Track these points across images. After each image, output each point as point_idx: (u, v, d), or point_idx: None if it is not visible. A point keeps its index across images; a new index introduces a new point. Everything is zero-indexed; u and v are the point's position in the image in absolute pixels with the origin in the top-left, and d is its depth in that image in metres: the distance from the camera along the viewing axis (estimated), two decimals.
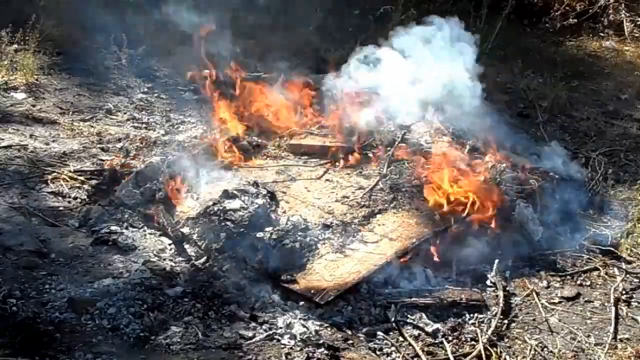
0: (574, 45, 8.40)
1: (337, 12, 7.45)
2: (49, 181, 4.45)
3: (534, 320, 3.67)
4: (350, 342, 3.31)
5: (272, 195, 4.20)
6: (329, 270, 3.69)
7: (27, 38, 6.03)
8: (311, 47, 6.89)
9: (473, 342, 3.41)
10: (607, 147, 5.88)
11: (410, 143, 4.83)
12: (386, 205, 4.22)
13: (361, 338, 3.37)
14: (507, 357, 3.36)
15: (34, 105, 5.54)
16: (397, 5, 6.99)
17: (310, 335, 3.28)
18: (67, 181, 4.47)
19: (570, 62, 7.79)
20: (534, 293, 3.87)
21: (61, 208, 4.23)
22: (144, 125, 5.55)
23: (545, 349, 3.45)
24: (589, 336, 3.56)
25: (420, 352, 3.30)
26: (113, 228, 4.00)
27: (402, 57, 4.99)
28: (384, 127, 4.96)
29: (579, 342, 3.50)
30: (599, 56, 8.16)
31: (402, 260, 3.81)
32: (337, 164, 4.66)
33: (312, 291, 3.54)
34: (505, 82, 6.89)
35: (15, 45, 6.08)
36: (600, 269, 4.17)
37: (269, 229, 3.89)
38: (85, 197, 4.35)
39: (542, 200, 4.49)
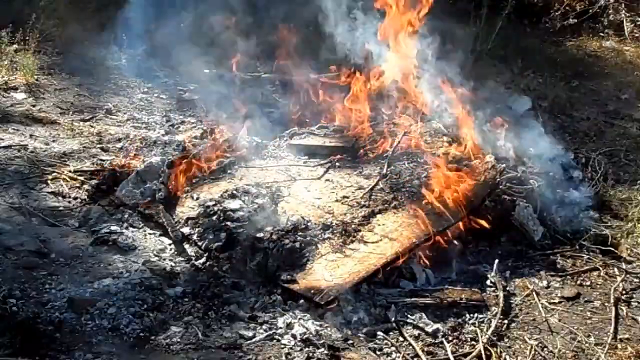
0: (574, 45, 8.41)
1: None
2: (49, 181, 4.45)
3: (534, 320, 3.67)
4: (350, 342, 3.31)
5: (277, 196, 4.20)
6: (329, 270, 3.69)
7: (27, 38, 6.04)
8: None
9: (473, 342, 3.41)
10: (607, 147, 5.88)
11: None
12: (386, 205, 4.22)
13: (361, 338, 3.36)
14: (507, 357, 3.36)
15: (34, 105, 5.55)
16: None
17: (310, 335, 3.28)
18: (67, 181, 4.48)
19: (570, 62, 7.79)
20: (534, 293, 3.87)
21: (61, 208, 4.23)
22: (144, 125, 5.56)
23: (545, 349, 3.44)
24: (589, 336, 3.56)
25: (420, 352, 3.30)
26: (113, 228, 4.00)
27: None
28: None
29: (579, 342, 3.50)
30: (599, 56, 8.16)
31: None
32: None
33: (312, 291, 3.54)
34: (505, 82, 6.89)
35: (15, 45, 6.10)
36: (600, 269, 4.16)
37: (269, 229, 3.89)
38: (85, 197, 4.35)
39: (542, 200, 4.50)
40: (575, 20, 8.60)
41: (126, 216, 4.15)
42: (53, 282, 3.48)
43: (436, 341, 3.41)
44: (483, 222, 4.19)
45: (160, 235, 4.04)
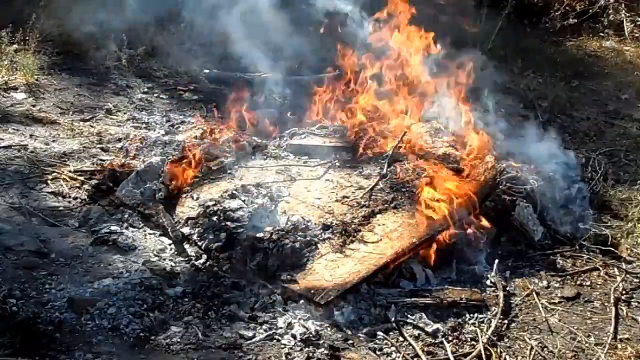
0: (574, 45, 8.41)
1: None
2: (49, 181, 4.45)
3: (534, 320, 3.67)
4: (350, 342, 3.31)
5: (277, 196, 4.20)
6: (329, 270, 3.69)
7: (27, 38, 6.04)
8: None
9: (473, 342, 3.41)
10: (607, 147, 5.89)
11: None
12: (386, 205, 4.22)
13: (361, 338, 3.37)
14: (507, 357, 3.36)
15: (34, 105, 5.54)
16: None
17: (310, 335, 3.28)
18: (67, 181, 4.48)
19: (570, 62, 7.80)
20: (534, 293, 3.87)
21: (61, 208, 4.23)
22: (144, 125, 5.56)
23: (545, 349, 3.45)
24: (589, 336, 3.56)
25: (420, 352, 3.30)
26: (113, 228, 4.00)
27: None
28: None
29: (579, 342, 3.50)
30: (599, 56, 8.17)
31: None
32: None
33: (312, 291, 3.54)
34: (505, 82, 6.89)
35: (15, 45, 6.09)
36: (600, 269, 4.16)
37: (269, 229, 3.89)
38: (85, 197, 4.35)
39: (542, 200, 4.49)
40: (575, 20, 8.60)
41: (126, 216, 4.15)
42: (53, 282, 3.48)
43: (436, 341, 3.41)
44: (484, 223, 4.20)
45: (160, 235, 4.04)
